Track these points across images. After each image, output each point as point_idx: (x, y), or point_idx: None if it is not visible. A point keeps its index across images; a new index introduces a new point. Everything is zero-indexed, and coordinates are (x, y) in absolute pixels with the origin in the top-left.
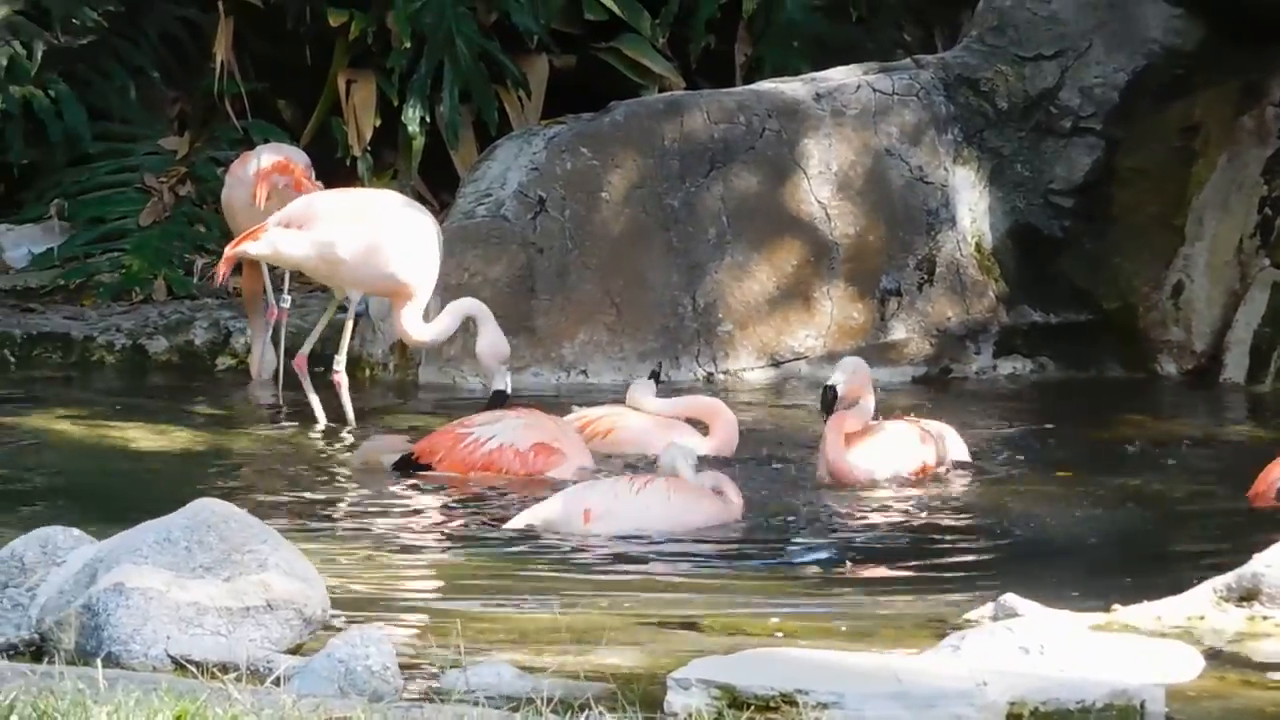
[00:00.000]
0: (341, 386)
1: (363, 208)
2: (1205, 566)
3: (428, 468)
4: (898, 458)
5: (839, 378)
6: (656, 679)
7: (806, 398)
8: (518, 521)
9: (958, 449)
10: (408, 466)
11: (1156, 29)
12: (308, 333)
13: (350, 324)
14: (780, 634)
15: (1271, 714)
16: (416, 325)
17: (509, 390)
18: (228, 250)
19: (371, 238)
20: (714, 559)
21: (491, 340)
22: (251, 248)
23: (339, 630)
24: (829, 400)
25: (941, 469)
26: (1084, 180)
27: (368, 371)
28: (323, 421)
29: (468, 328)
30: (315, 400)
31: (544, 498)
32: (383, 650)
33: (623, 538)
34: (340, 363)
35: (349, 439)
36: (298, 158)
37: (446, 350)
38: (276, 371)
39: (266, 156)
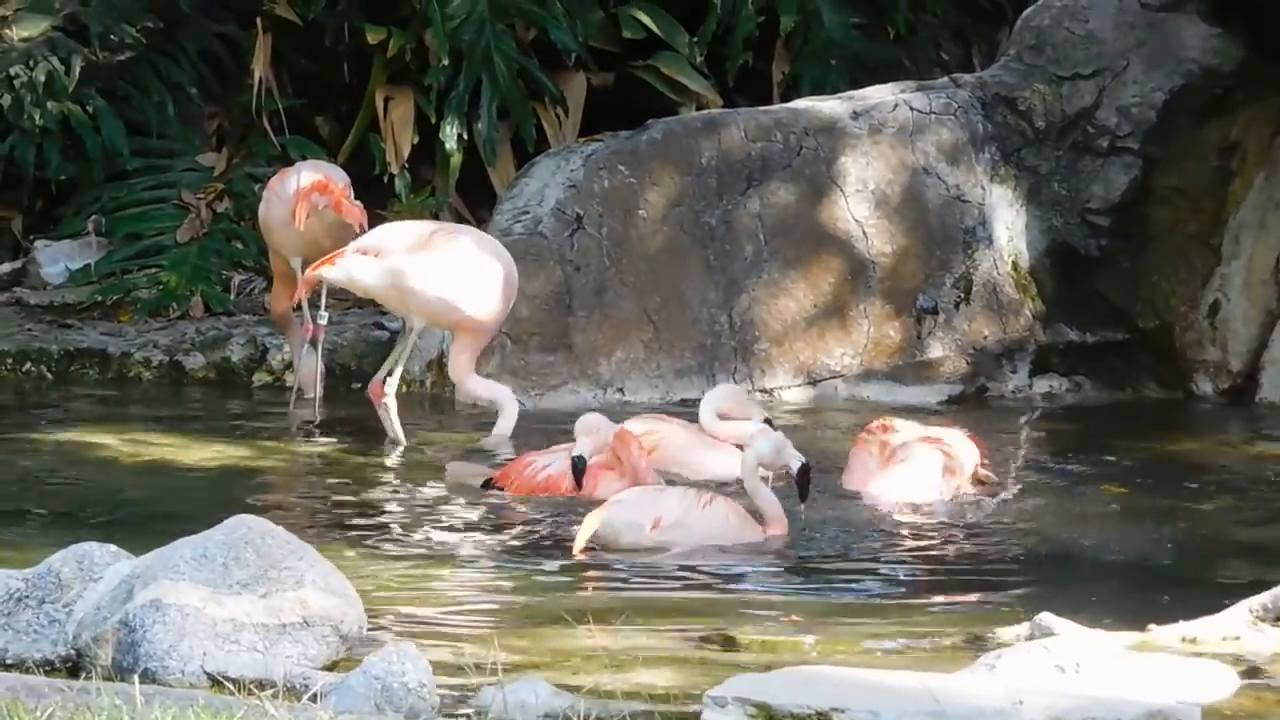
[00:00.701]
0: (390, 408)
1: (440, 242)
2: (1241, 586)
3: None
4: (924, 482)
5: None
6: (693, 697)
7: (843, 416)
8: (585, 530)
9: (969, 455)
10: (489, 487)
11: (1194, 48)
12: (345, 348)
13: (408, 349)
14: (816, 653)
15: None
16: (467, 370)
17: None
18: (307, 273)
19: (443, 272)
20: (750, 577)
21: (500, 432)
22: (328, 273)
23: (376, 647)
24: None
25: (967, 481)
26: (1121, 199)
27: (404, 388)
28: (402, 444)
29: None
30: (396, 424)
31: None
32: (419, 667)
33: (657, 555)
34: (392, 385)
35: (391, 457)
36: (337, 176)
37: (483, 367)
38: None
39: (306, 174)
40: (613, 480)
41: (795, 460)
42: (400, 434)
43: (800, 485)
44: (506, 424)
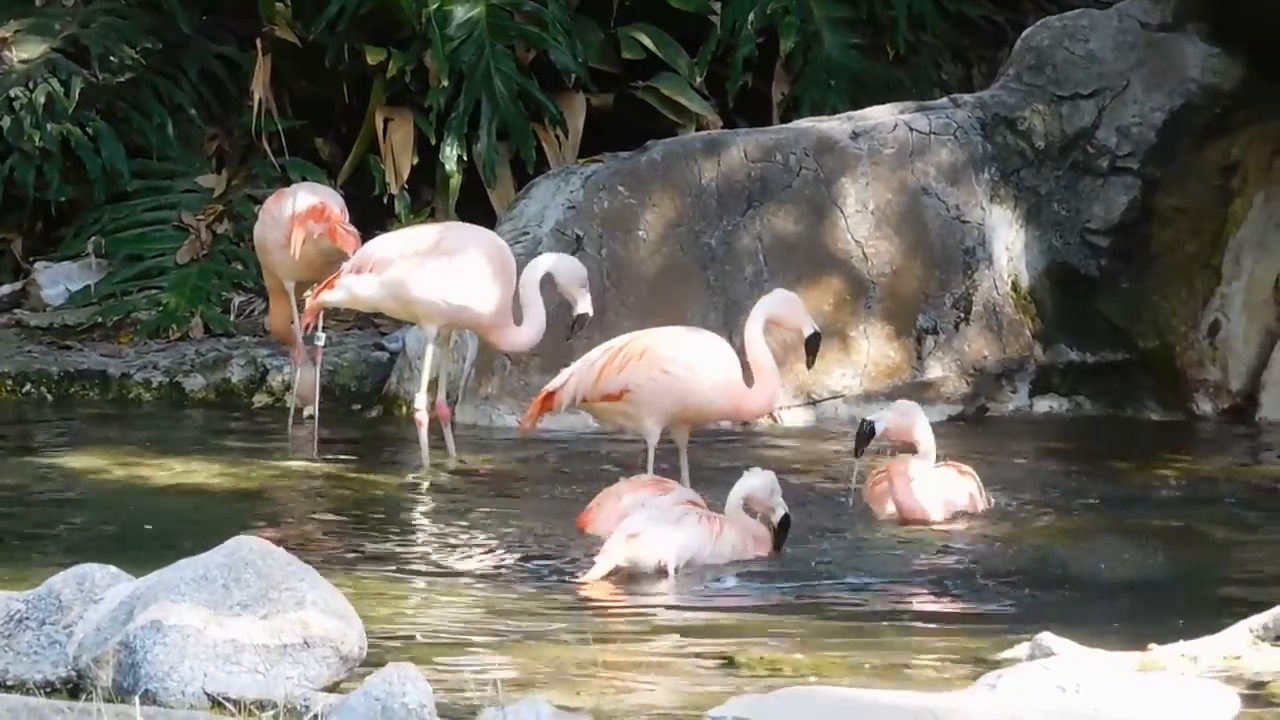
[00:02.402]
0: (421, 425)
1: (430, 244)
2: (1242, 606)
3: None
4: (949, 497)
5: (885, 415)
6: (694, 717)
7: (843, 437)
8: (607, 560)
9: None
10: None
11: (1194, 68)
12: (345, 369)
13: (428, 361)
14: (817, 672)
15: None
16: (515, 336)
17: (590, 312)
18: (310, 303)
19: (440, 273)
20: (751, 597)
21: (568, 266)
22: (330, 297)
23: (376, 668)
24: (865, 434)
25: (980, 508)
26: (1121, 219)
27: (403, 409)
28: (426, 466)
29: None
30: (450, 438)
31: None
32: (420, 688)
33: (657, 575)
34: (421, 401)
35: (402, 477)
36: (333, 201)
37: (484, 389)
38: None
39: (302, 198)
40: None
41: (780, 508)
42: (428, 456)
43: (778, 535)
44: (565, 261)
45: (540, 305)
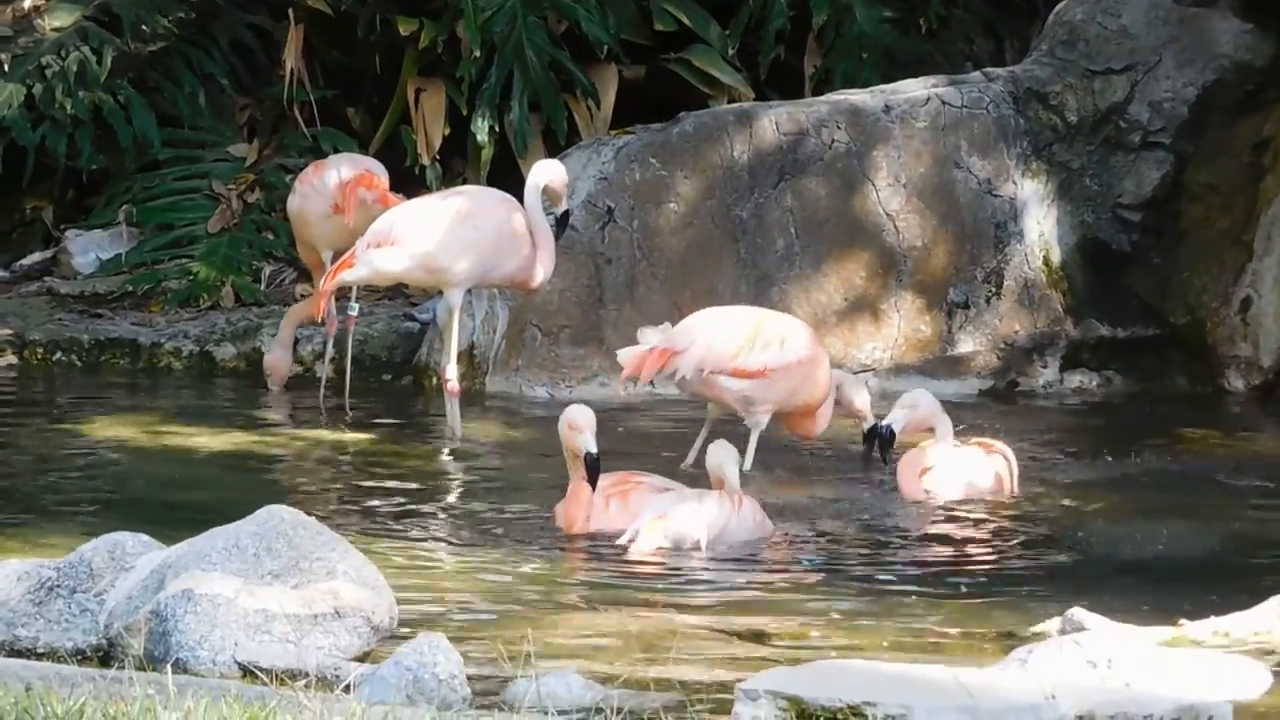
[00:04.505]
0: (453, 395)
1: (447, 210)
2: (1273, 581)
3: None
4: (971, 479)
5: (899, 416)
6: (724, 690)
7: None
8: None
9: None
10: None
11: (1227, 44)
12: (375, 340)
13: (455, 328)
14: (847, 646)
15: None
16: (539, 271)
17: (570, 210)
18: (324, 285)
19: (465, 237)
20: (782, 572)
21: (552, 170)
22: (350, 274)
23: (407, 638)
24: (886, 440)
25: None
26: (1152, 195)
27: (433, 380)
28: (459, 436)
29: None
30: (457, 415)
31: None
32: (451, 659)
33: (688, 550)
34: (452, 370)
35: (429, 448)
36: (377, 169)
37: (513, 360)
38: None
39: (346, 169)
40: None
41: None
42: (459, 425)
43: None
44: (550, 164)
45: (548, 227)
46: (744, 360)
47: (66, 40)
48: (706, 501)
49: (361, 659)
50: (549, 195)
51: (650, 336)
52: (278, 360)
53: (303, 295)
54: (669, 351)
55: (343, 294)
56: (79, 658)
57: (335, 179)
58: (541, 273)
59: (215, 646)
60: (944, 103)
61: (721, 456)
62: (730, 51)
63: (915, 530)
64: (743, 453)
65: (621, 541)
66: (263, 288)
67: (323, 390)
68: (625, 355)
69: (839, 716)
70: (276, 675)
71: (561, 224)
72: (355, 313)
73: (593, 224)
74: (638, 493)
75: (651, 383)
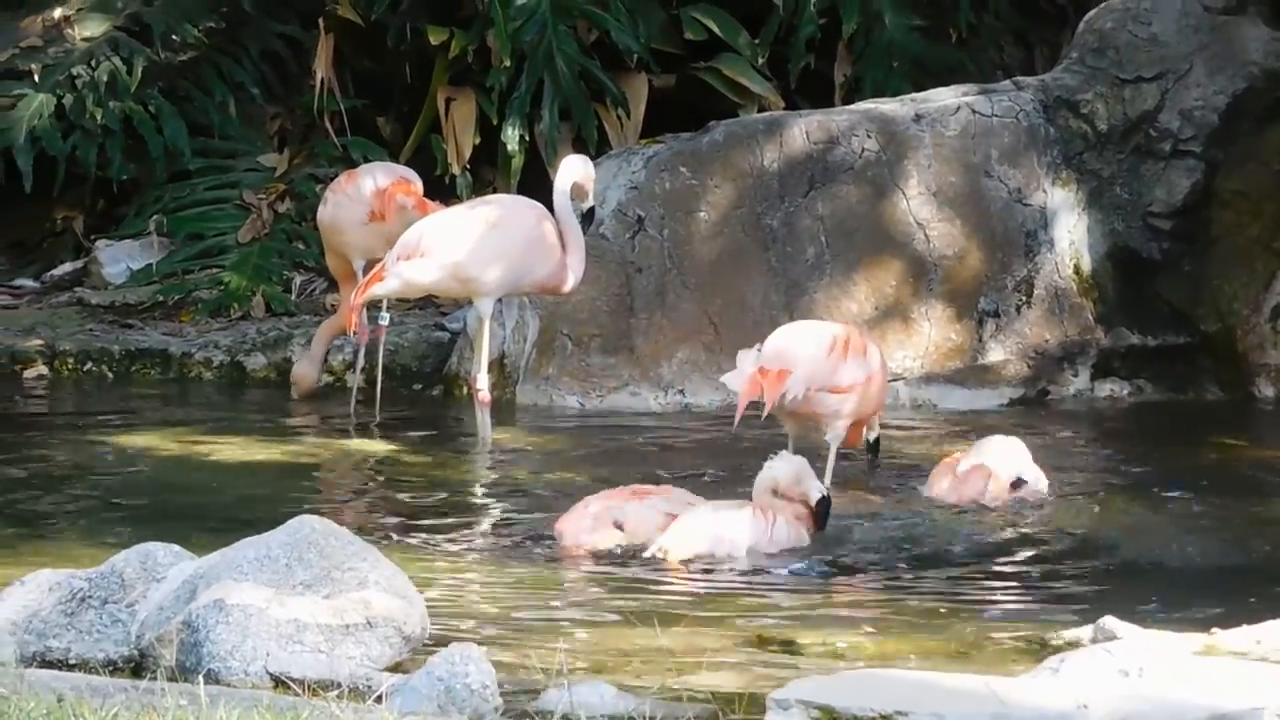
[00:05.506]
0: (484, 404)
1: (476, 220)
2: None
3: None
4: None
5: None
6: (757, 700)
7: (905, 418)
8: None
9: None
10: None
11: (1257, 52)
12: (405, 349)
13: (486, 337)
14: (878, 656)
15: None
16: (571, 274)
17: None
18: (355, 300)
19: (496, 245)
20: (811, 582)
21: (580, 166)
22: (380, 288)
23: (439, 648)
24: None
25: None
26: (1183, 203)
27: (464, 389)
28: (489, 444)
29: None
30: (488, 423)
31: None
32: (482, 669)
33: (719, 559)
34: (483, 380)
35: (460, 457)
36: (411, 177)
37: (544, 369)
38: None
39: (382, 176)
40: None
41: (816, 491)
42: (489, 434)
43: (819, 516)
44: (578, 160)
45: (579, 229)
46: (842, 375)
47: (97, 50)
48: (741, 513)
49: (393, 669)
50: (576, 192)
51: (748, 359)
52: (306, 373)
53: (334, 306)
54: (786, 373)
55: (373, 304)
56: (111, 669)
57: (371, 186)
58: (572, 277)
59: (247, 657)
60: (974, 111)
61: (798, 469)
62: (760, 60)
63: (945, 539)
64: (821, 472)
65: (652, 552)
66: (293, 297)
67: (354, 400)
68: (735, 381)
69: None
70: (308, 685)
71: (587, 220)
72: (386, 322)
73: (623, 233)
74: (641, 503)
75: (682, 392)
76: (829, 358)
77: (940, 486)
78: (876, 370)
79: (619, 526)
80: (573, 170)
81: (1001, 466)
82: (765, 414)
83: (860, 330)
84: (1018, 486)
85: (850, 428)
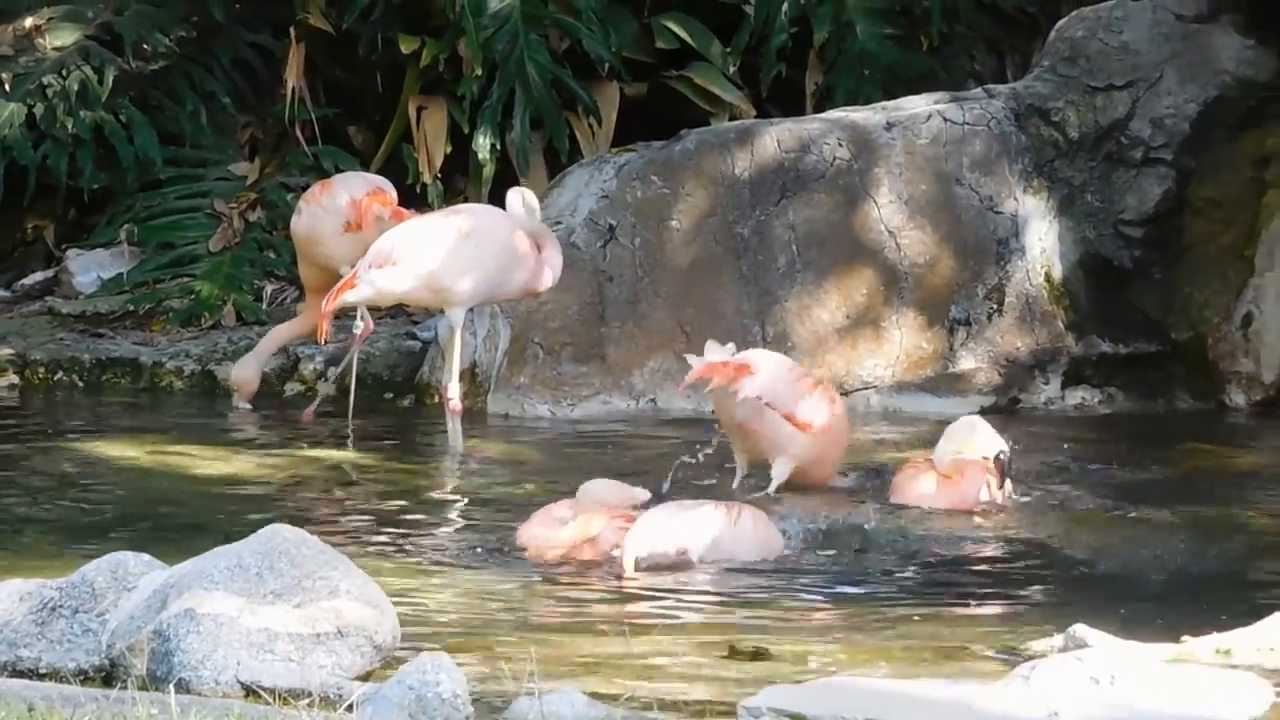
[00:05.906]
0: (455, 413)
1: (446, 229)
2: (1276, 598)
3: None
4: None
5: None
6: (727, 708)
7: (876, 427)
8: (629, 558)
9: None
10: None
11: (1229, 60)
12: (377, 359)
13: (457, 346)
14: (849, 664)
15: None
16: (548, 272)
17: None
18: (326, 306)
19: (470, 254)
20: (783, 589)
21: (524, 192)
22: (352, 295)
23: (410, 657)
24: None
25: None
26: (1154, 211)
27: (435, 398)
28: (460, 455)
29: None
30: (459, 434)
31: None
32: (454, 678)
33: (687, 567)
34: (454, 389)
35: (431, 467)
36: (385, 186)
37: (515, 378)
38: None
39: (356, 185)
40: None
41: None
42: (460, 443)
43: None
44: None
45: (545, 226)
46: (801, 407)
47: (68, 59)
48: (699, 511)
49: (364, 678)
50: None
51: (718, 351)
52: (249, 374)
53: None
54: (745, 368)
55: (347, 312)
56: (82, 678)
57: (346, 197)
58: (550, 273)
59: (218, 666)
60: (945, 119)
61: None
62: (732, 69)
63: (916, 547)
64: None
65: (615, 555)
66: (264, 306)
67: (314, 406)
68: (696, 361)
69: None
70: (279, 694)
71: None
72: (360, 331)
73: (595, 242)
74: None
75: (654, 400)
76: (794, 381)
77: (920, 491)
78: (839, 425)
79: (588, 536)
80: (516, 202)
81: (983, 447)
82: (710, 389)
83: (831, 387)
84: (1007, 468)
85: (815, 469)
